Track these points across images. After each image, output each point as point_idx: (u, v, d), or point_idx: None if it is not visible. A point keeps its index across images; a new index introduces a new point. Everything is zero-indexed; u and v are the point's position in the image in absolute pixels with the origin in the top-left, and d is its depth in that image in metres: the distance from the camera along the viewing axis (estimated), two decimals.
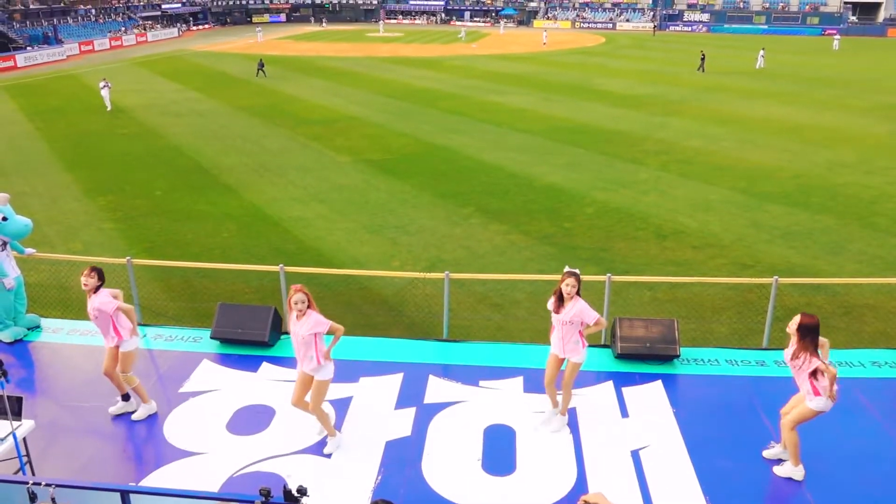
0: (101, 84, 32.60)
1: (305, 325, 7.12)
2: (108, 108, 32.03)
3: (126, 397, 8.34)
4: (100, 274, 7.89)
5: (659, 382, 8.94)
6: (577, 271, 7.69)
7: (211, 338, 9.95)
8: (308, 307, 7.13)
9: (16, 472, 6.59)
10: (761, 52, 49.02)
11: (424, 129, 27.05)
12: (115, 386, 8.26)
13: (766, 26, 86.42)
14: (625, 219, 16.36)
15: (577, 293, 7.52)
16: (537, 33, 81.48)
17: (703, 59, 46.13)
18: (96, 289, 7.83)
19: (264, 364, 9.48)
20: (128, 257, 10.74)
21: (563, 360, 7.82)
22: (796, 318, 6.80)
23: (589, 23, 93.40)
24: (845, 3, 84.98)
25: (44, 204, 17.80)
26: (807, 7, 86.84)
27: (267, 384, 9.04)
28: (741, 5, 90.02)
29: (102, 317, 7.85)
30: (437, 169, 21.14)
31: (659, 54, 48.37)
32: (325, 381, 7.39)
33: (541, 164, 21.50)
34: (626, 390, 8.84)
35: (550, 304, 7.68)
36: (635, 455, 7.61)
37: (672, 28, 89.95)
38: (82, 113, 31.73)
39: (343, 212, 17.05)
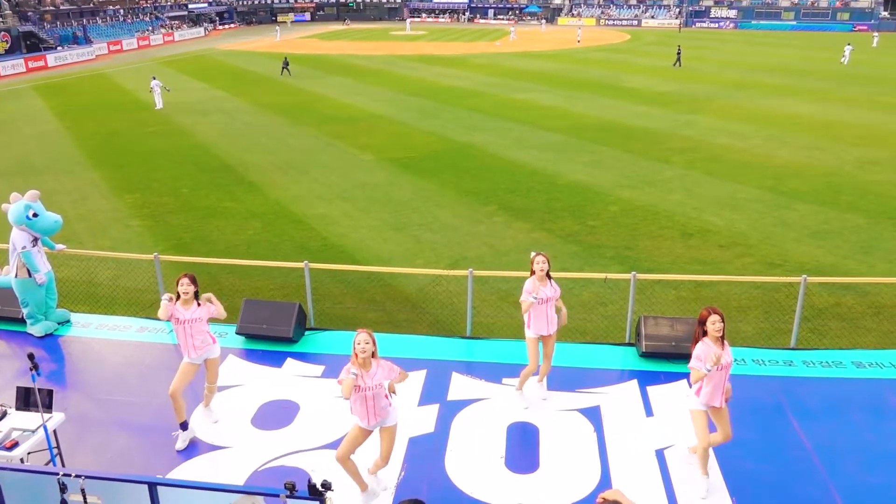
0: (154, 83, 32.34)
1: (378, 376, 6.42)
2: (158, 107, 32.00)
3: (185, 426, 7.73)
4: (196, 280, 7.54)
5: (684, 381, 8.84)
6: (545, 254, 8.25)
7: (236, 333, 10.08)
8: (373, 354, 6.43)
9: (46, 464, 6.71)
10: (847, 48, 47.61)
11: (448, 127, 27.03)
12: (175, 410, 7.58)
13: (794, 22, 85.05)
14: (650, 217, 16.21)
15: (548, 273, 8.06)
16: (561, 31, 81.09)
17: (679, 54, 46.28)
18: (195, 296, 7.50)
19: (289, 360, 9.56)
20: (155, 253, 10.90)
21: (541, 338, 8.21)
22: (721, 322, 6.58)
23: (614, 20, 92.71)
24: None
25: (73, 201, 18.09)
26: (837, 3, 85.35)
27: (291, 379, 9.12)
28: (769, 1, 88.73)
29: (202, 323, 7.51)
30: (460, 167, 21.12)
31: (685, 51, 47.86)
32: (396, 425, 6.78)
33: (565, 162, 21.39)
34: (650, 389, 8.78)
35: (531, 285, 8.01)
36: (660, 454, 7.56)
37: (698, 25, 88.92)
38: (111, 111, 32.18)
39: (367, 209, 17.10)
